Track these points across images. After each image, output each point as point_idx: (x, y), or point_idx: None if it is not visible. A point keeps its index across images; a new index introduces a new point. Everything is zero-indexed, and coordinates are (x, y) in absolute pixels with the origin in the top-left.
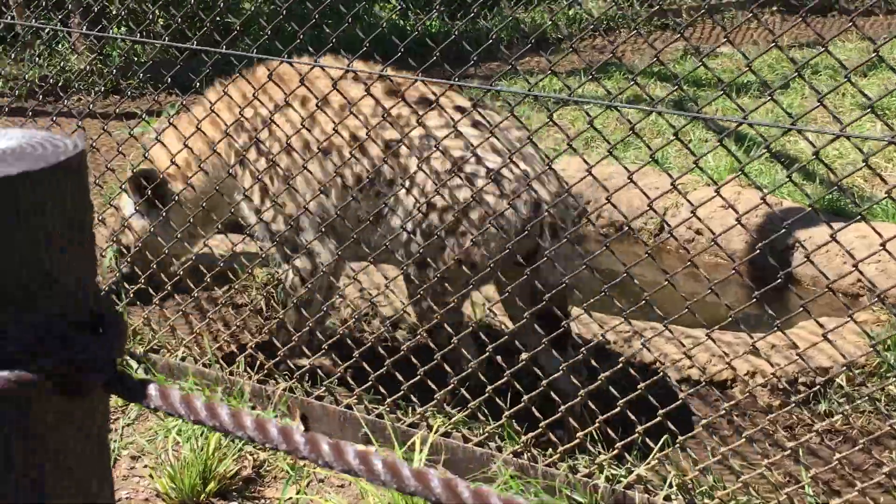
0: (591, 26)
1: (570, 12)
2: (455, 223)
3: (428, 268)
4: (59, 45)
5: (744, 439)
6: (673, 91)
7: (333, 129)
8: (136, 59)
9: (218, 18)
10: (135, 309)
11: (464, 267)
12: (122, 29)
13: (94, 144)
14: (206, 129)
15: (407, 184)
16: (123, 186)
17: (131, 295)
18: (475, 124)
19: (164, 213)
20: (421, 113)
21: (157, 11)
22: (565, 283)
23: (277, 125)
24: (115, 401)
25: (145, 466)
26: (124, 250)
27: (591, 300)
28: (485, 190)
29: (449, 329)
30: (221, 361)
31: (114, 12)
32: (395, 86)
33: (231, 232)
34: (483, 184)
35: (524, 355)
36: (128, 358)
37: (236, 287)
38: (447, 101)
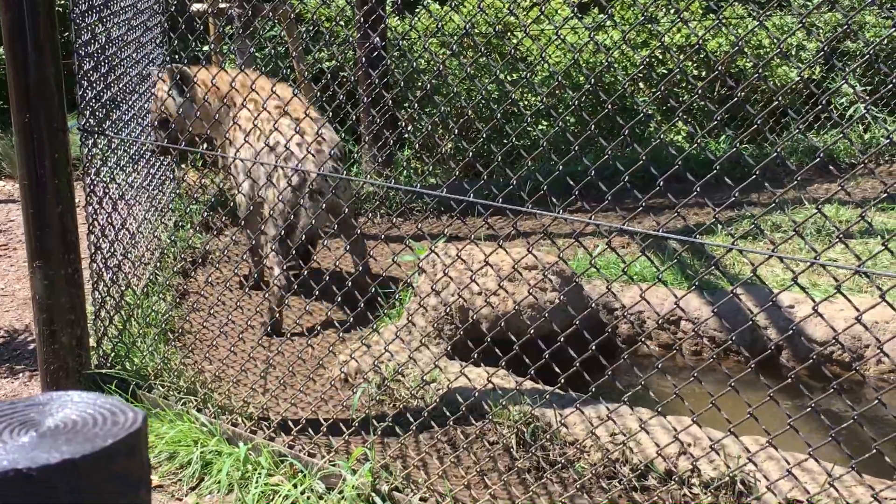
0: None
1: (867, 136)
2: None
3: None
4: (353, 167)
5: None
6: None
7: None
8: (422, 180)
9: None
10: (391, 440)
11: (269, 212)
12: (407, 152)
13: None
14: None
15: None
16: (171, 78)
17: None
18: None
19: (186, 99)
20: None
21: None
22: (316, 231)
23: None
24: None
25: None
26: (167, 120)
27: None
28: (282, 162)
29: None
30: None
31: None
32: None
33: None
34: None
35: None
36: (373, 495)
37: (487, 422)
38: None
